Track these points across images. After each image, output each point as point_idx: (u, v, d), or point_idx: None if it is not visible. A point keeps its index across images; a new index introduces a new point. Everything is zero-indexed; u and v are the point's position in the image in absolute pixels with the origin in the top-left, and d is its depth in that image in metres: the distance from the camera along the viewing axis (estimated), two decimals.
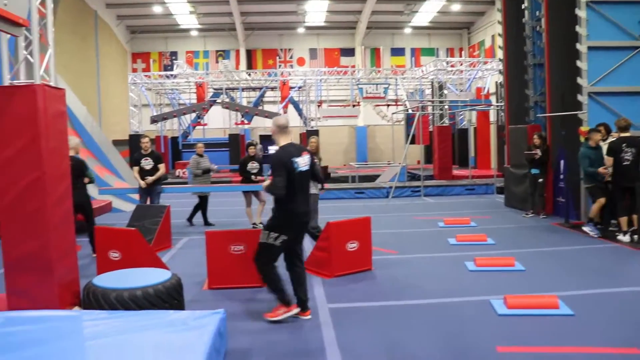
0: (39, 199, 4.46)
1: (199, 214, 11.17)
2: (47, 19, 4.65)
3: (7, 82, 4.53)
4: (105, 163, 14.86)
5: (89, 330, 4.03)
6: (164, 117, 23.74)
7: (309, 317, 5.18)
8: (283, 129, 5.17)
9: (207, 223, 11.08)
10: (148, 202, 9.90)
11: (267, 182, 5.16)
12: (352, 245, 6.82)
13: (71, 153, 8.67)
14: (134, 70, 30.88)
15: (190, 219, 11.15)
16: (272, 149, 9.33)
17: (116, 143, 24.55)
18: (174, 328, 3.98)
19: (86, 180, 8.24)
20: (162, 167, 9.94)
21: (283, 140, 5.14)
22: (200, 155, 11.06)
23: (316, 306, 5.54)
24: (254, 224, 10.42)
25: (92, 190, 9.25)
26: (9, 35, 4.39)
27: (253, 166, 10.52)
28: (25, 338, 3.82)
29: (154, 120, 23.15)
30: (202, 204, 11.10)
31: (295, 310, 5.12)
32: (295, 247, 5.28)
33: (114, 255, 6.40)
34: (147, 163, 9.82)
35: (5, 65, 4.52)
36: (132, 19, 31.09)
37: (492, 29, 28.65)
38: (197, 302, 5.78)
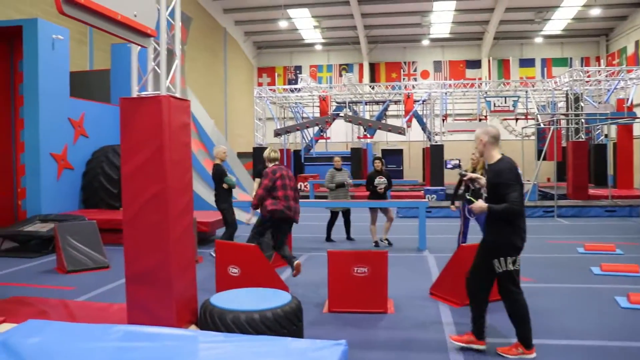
0: (161, 212, 4.37)
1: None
2: (175, 30, 4.57)
3: (135, 93, 4.50)
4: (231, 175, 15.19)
5: (204, 354, 3.81)
6: (287, 131, 24.07)
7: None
8: (497, 139, 4.61)
9: (349, 238, 10.86)
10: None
11: (480, 203, 4.49)
12: None
13: (216, 161, 9.21)
14: (260, 84, 31.78)
15: (327, 237, 10.91)
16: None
17: (240, 155, 25.32)
18: (291, 359, 3.67)
19: (225, 186, 8.90)
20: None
21: (496, 153, 4.58)
22: (338, 169, 10.80)
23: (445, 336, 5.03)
24: (376, 241, 10.10)
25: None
26: (139, 47, 4.36)
27: (380, 181, 10.21)
28: (142, 356, 3.69)
29: (277, 133, 23.54)
30: (335, 220, 10.87)
31: (482, 347, 4.63)
32: None
33: (233, 270, 6.26)
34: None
35: (134, 77, 4.49)
36: (259, 35, 32.08)
37: (636, 34, 26.33)
38: (316, 325, 5.48)
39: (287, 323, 4.29)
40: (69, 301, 5.97)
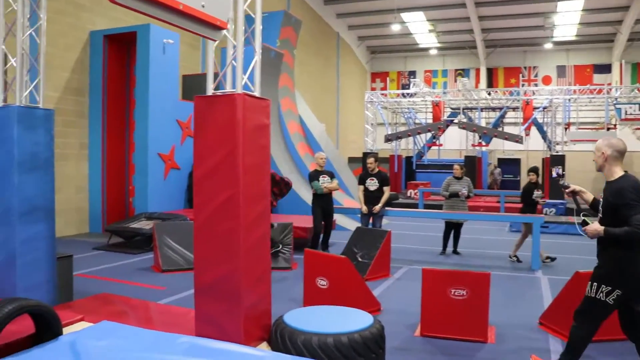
0: (232, 220, 4.06)
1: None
2: (256, 23, 4.26)
3: (210, 91, 4.25)
4: (338, 180, 14.90)
5: None
6: (398, 136, 23.49)
7: None
8: (622, 154, 3.96)
9: (455, 252, 10.13)
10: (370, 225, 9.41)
11: (595, 226, 3.90)
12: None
13: (316, 167, 9.41)
14: (373, 89, 31.40)
15: (443, 250, 10.21)
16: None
17: (351, 160, 25.07)
18: None
19: (312, 190, 9.12)
20: (387, 190, 9.34)
21: (618, 170, 3.94)
22: (457, 178, 10.00)
23: None
24: (511, 256, 9.51)
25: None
26: (215, 43, 4.11)
27: (538, 194, 9.46)
28: None
29: (388, 139, 23.03)
30: (450, 231, 10.14)
31: None
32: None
33: (322, 282, 5.90)
34: (372, 183, 9.33)
35: (210, 74, 4.23)
36: (372, 40, 31.71)
37: None
38: (404, 351, 4.93)
39: (364, 350, 3.82)
40: (150, 303, 5.87)
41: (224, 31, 4.06)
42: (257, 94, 4.27)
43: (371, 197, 9.32)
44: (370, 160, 9.57)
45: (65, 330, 4.35)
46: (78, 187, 11.96)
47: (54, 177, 5.41)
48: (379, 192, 9.30)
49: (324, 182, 9.23)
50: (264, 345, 4.28)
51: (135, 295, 6.46)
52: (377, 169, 9.52)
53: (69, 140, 11.67)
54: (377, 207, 9.19)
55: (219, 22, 3.79)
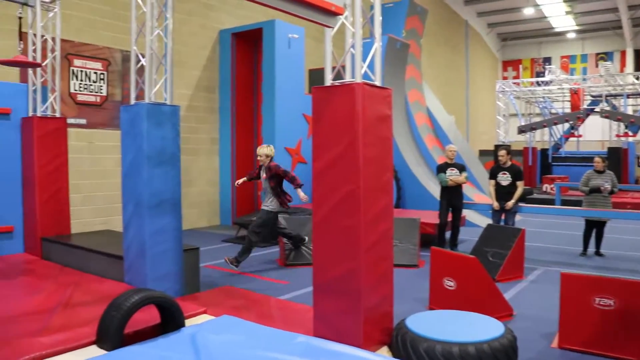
0: (353, 216, 3.86)
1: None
2: (375, 8, 4.01)
3: (328, 82, 4.07)
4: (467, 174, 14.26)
5: None
6: (532, 127, 22.16)
7: None
8: None
9: (598, 253, 9.13)
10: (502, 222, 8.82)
11: None
12: None
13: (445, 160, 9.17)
14: (504, 79, 29.91)
15: (584, 250, 9.22)
16: None
17: (482, 153, 24.05)
18: None
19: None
20: (520, 185, 8.71)
21: None
22: (599, 172, 8.99)
23: None
24: None
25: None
26: (333, 30, 3.92)
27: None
28: None
29: (521, 130, 21.81)
30: (591, 230, 9.11)
31: None
32: None
33: (449, 283, 5.55)
34: (505, 178, 8.74)
35: (328, 63, 4.05)
36: (503, 26, 30.15)
37: None
38: None
39: None
40: (271, 298, 5.85)
41: (342, 19, 3.86)
42: (377, 83, 4.03)
43: (503, 193, 8.74)
44: (502, 152, 8.97)
45: (189, 322, 4.43)
46: (209, 181, 12.43)
47: (180, 171, 5.55)
48: (512, 187, 8.69)
49: (452, 174, 8.82)
50: (384, 350, 4.05)
51: (258, 288, 6.50)
52: (509, 162, 8.91)
53: (201, 135, 12.17)
54: (510, 204, 8.60)
55: (334, 7, 3.60)
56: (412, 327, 3.73)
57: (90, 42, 9.98)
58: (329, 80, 4.07)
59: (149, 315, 4.24)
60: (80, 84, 9.83)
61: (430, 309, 5.75)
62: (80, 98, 9.82)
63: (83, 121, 9.88)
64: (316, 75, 14.10)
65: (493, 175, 8.91)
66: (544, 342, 4.94)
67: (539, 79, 23.54)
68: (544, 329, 5.24)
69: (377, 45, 4.03)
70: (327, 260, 4.00)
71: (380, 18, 4.09)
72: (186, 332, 4.12)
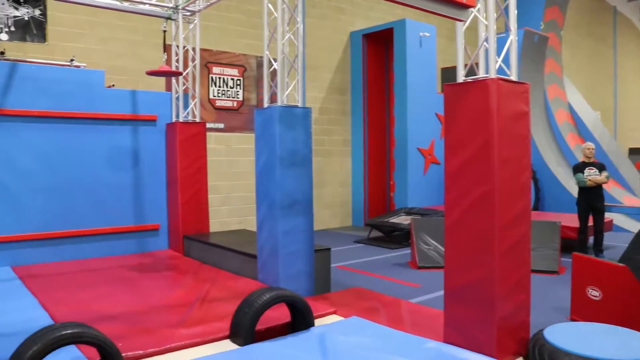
0: (486, 220, 3.66)
1: None
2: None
3: (460, 78, 3.90)
4: (614, 175, 13.19)
5: None
6: None
7: None
8: None
9: None
10: None
11: None
12: None
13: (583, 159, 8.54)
14: None
15: None
16: None
17: (632, 152, 22.14)
18: None
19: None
20: None
21: None
22: None
23: None
24: None
25: None
26: (464, 24, 3.75)
27: None
28: None
29: None
30: None
31: None
32: None
33: (593, 293, 5.12)
34: None
35: (460, 60, 3.89)
36: None
37: None
38: None
39: None
40: (402, 301, 5.75)
41: (474, 12, 3.69)
42: (513, 78, 3.80)
43: None
44: None
45: (318, 321, 4.48)
46: (342, 182, 12.58)
47: (311, 173, 5.63)
48: None
49: (590, 174, 8.18)
50: None
51: (389, 290, 6.43)
52: None
53: (333, 137, 12.34)
54: None
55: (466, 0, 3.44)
56: (551, 339, 3.46)
57: (227, 50, 10.49)
58: (461, 76, 3.91)
59: (280, 313, 4.35)
60: (219, 90, 10.36)
61: (572, 320, 5.34)
62: (218, 103, 10.35)
63: (221, 125, 10.40)
64: (449, 74, 13.74)
65: None
66: None
67: None
68: None
69: (513, 38, 3.80)
70: (460, 265, 3.84)
71: (516, 10, 3.86)
72: (315, 332, 4.17)
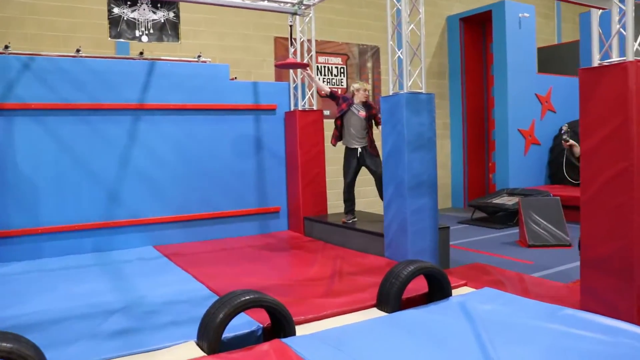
0: (625, 194, 3.90)
1: None
2: None
3: (596, 62, 4.12)
4: None
5: None
6: None
7: None
8: None
9: None
10: None
11: None
12: None
13: None
14: None
15: None
16: None
17: None
18: None
19: None
20: None
21: None
22: None
23: None
24: None
25: None
26: (600, 12, 3.97)
27: None
28: (589, 347, 3.41)
29: None
30: None
31: None
32: None
33: None
34: None
35: (595, 44, 4.11)
36: None
37: None
38: None
39: None
40: (525, 275, 6.01)
41: None
42: None
43: None
44: None
45: (453, 292, 4.81)
46: (442, 164, 12.79)
47: (436, 155, 5.97)
48: None
49: None
50: None
51: (502, 267, 6.67)
52: None
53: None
54: None
55: None
56: None
57: (330, 40, 10.93)
58: (596, 60, 4.13)
59: (418, 285, 4.71)
60: (324, 78, 10.83)
61: None
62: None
63: (327, 112, 10.87)
64: (545, 54, 13.60)
65: None
66: None
67: None
68: None
69: None
70: (597, 237, 4.09)
71: None
72: (454, 301, 4.51)
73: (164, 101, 7.66)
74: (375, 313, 4.42)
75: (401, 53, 5.90)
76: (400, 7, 5.89)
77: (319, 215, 8.21)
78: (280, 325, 3.86)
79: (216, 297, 4.30)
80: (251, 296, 3.73)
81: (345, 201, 7.67)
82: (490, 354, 3.32)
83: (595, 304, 4.11)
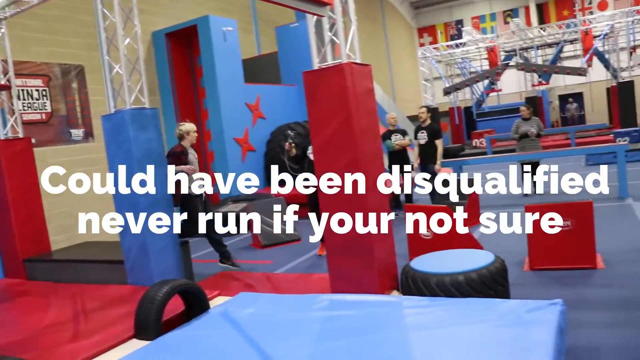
0: (354, 182, 4.34)
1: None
2: None
3: (316, 65, 4.50)
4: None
5: (411, 320, 3.73)
6: (456, 88, 23.18)
7: None
8: None
9: (535, 192, 10.00)
10: None
11: None
12: None
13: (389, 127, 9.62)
14: (422, 45, 30.97)
15: (525, 190, 10.18)
16: None
17: (410, 119, 25.00)
18: (503, 321, 3.42)
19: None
20: (439, 143, 9.27)
21: None
22: (526, 119, 10.05)
23: None
24: None
25: None
26: (315, 18, 4.34)
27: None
28: (350, 324, 3.71)
29: (447, 92, 22.77)
30: (527, 172, 10.02)
31: None
32: None
33: (425, 234, 6.13)
34: (422, 137, 9.40)
35: (314, 50, 4.48)
36: None
37: None
38: (520, 285, 5.16)
39: (493, 284, 4.08)
40: (270, 274, 6.26)
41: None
42: (359, 61, 4.49)
43: (421, 152, 9.58)
44: (422, 110, 9.63)
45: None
46: None
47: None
48: (430, 146, 9.37)
49: (396, 139, 9.39)
50: (395, 293, 4.57)
51: (247, 270, 6.80)
52: (428, 121, 9.57)
53: None
54: (438, 167, 9.31)
55: None
56: (419, 267, 4.17)
57: (27, 60, 9.87)
58: (316, 64, 4.49)
59: (172, 306, 4.49)
60: (24, 102, 9.73)
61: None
62: (25, 117, 9.71)
63: (32, 140, 9.79)
64: (249, 65, 14.35)
65: (414, 135, 9.60)
66: (517, 269, 5.70)
67: (457, 41, 24.62)
68: (513, 259, 5.93)
69: (354, 28, 4.50)
70: (337, 225, 4.47)
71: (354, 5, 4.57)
72: (215, 312, 4.43)
73: None
74: (136, 344, 4.08)
75: (119, 68, 5.59)
76: (114, 20, 5.56)
77: (42, 254, 7.33)
78: None
79: None
80: None
81: (216, 250, 7.05)
82: (269, 354, 3.36)
83: (344, 286, 4.49)
